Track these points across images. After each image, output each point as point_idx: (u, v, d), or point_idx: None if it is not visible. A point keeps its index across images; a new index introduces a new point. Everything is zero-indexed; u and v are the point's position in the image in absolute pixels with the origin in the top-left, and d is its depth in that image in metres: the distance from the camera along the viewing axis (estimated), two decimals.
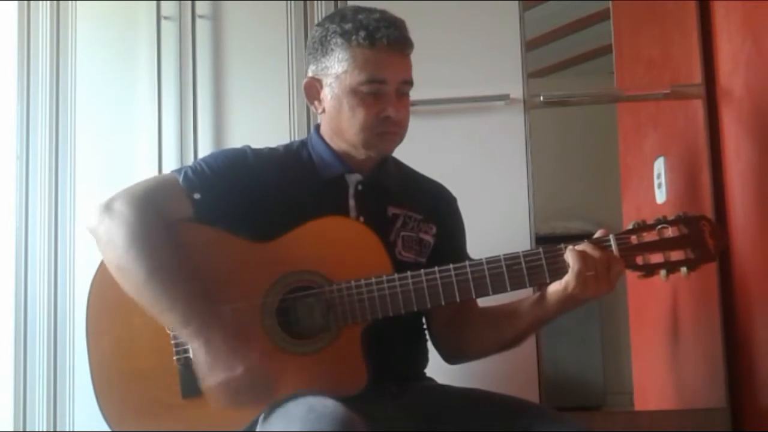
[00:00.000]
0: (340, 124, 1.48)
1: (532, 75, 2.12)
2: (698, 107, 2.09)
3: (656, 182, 2.37)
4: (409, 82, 1.49)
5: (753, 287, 1.90)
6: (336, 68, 1.45)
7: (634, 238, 1.37)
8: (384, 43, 1.43)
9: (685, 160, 2.21)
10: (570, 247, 1.35)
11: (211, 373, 1.30)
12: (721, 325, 1.99)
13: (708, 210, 2.01)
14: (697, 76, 2.08)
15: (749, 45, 1.88)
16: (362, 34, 1.42)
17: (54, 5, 2.17)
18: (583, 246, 1.35)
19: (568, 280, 1.34)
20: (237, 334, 1.31)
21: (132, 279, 1.34)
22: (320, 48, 1.48)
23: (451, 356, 1.57)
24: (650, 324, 2.58)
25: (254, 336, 1.34)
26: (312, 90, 1.52)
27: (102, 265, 1.43)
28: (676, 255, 1.37)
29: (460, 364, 1.58)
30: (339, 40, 1.45)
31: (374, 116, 1.45)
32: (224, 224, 1.43)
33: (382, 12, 1.47)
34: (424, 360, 1.57)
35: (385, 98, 1.45)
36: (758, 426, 1.89)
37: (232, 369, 1.29)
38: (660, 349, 2.47)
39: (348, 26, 1.44)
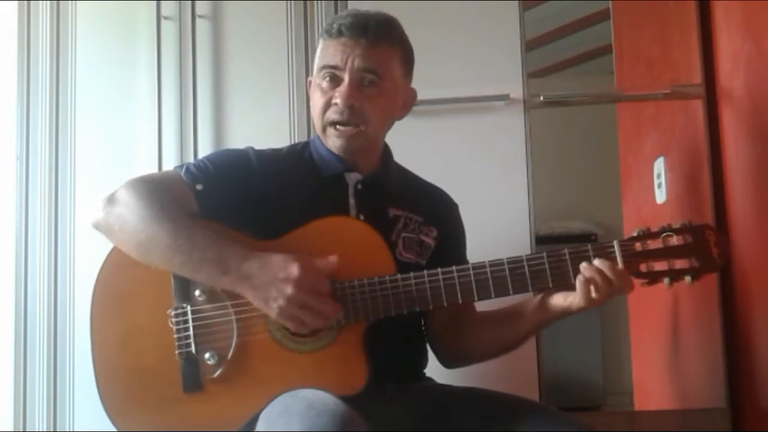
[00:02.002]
0: (312, 118, 1.54)
1: (532, 75, 2.12)
2: (698, 107, 2.09)
3: (656, 182, 2.37)
4: (371, 71, 1.46)
5: (753, 287, 1.90)
6: (314, 66, 1.52)
7: (638, 245, 1.37)
8: (340, 31, 1.45)
9: (685, 160, 2.21)
10: (580, 278, 1.33)
11: (267, 305, 1.30)
12: (721, 325, 1.99)
13: (708, 210, 2.02)
14: (697, 76, 2.08)
15: (749, 45, 1.88)
16: (326, 27, 1.48)
17: (54, 5, 2.17)
18: (592, 273, 1.32)
19: (572, 301, 1.35)
20: (270, 260, 1.31)
21: (158, 248, 1.34)
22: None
23: (449, 360, 1.57)
24: (650, 324, 2.58)
25: (287, 257, 1.33)
26: (309, 90, 1.57)
27: (108, 257, 1.43)
28: (680, 263, 1.37)
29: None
30: (319, 40, 1.52)
31: (324, 103, 1.47)
32: (227, 221, 1.43)
33: (364, 11, 1.49)
34: (424, 360, 1.58)
35: (338, 85, 1.46)
36: (758, 426, 1.89)
37: (285, 291, 1.29)
38: (660, 349, 2.47)
39: (326, 25, 1.50)
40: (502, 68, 2.08)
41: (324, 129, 1.49)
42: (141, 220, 1.35)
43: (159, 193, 1.39)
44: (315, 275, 1.31)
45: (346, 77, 1.45)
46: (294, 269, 1.30)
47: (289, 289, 1.29)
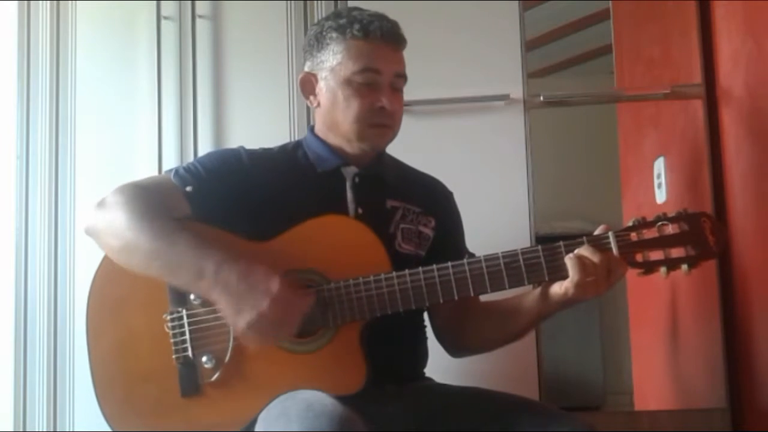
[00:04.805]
0: (335, 117, 1.50)
1: (532, 75, 2.12)
2: (698, 107, 2.09)
3: (656, 182, 2.37)
4: (403, 76, 1.51)
5: (753, 287, 1.90)
6: (331, 61, 1.49)
7: (633, 235, 1.37)
8: (378, 35, 1.46)
9: (685, 160, 2.21)
10: (570, 255, 1.34)
11: (238, 316, 1.28)
12: (721, 325, 1.99)
13: (708, 210, 2.01)
14: (697, 76, 2.08)
15: (749, 45, 1.88)
16: (356, 26, 1.47)
17: (54, 5, 2.17)
18: (583, 251, 1.34)
19: (567, 286, 1.34)
20: (252, 270, 1.29)
21: (139, 251, 1.33)
22: (316, 44, 1.52)
23: (454, 349, 1.58)
24: (650, 323, 2.58)
25: (269, 270, 1.31)
26: (307, 85, 1.54)
27: (102, 264, 1.43)
28: (676, 252, 1.36)
29: (460, 360, 1.59)
30: (334, 34, 1.49)
31: (368, 106, 1.47)
32: (220, 222, 1.43)
33: (376, 12, 1.51)
34: (423, 359, 1.58)
35: (379, 89, 1.47)
36: (758, 426, 1.89)
37: (258, 305, 1.27)
38: (660, 349, 2.47)
39: (343, 21, 1.49)
40: (502, 68, 2.08)
41: (363, 130, 1.48)
42: (125, 224, 1.35)
43: (146, 197, 1.38)
44: (293, 294, 1.30)
45: (386, 82, 1.48)
46: (274, 284, 1.28)
47: (265, 303, 1.27)
